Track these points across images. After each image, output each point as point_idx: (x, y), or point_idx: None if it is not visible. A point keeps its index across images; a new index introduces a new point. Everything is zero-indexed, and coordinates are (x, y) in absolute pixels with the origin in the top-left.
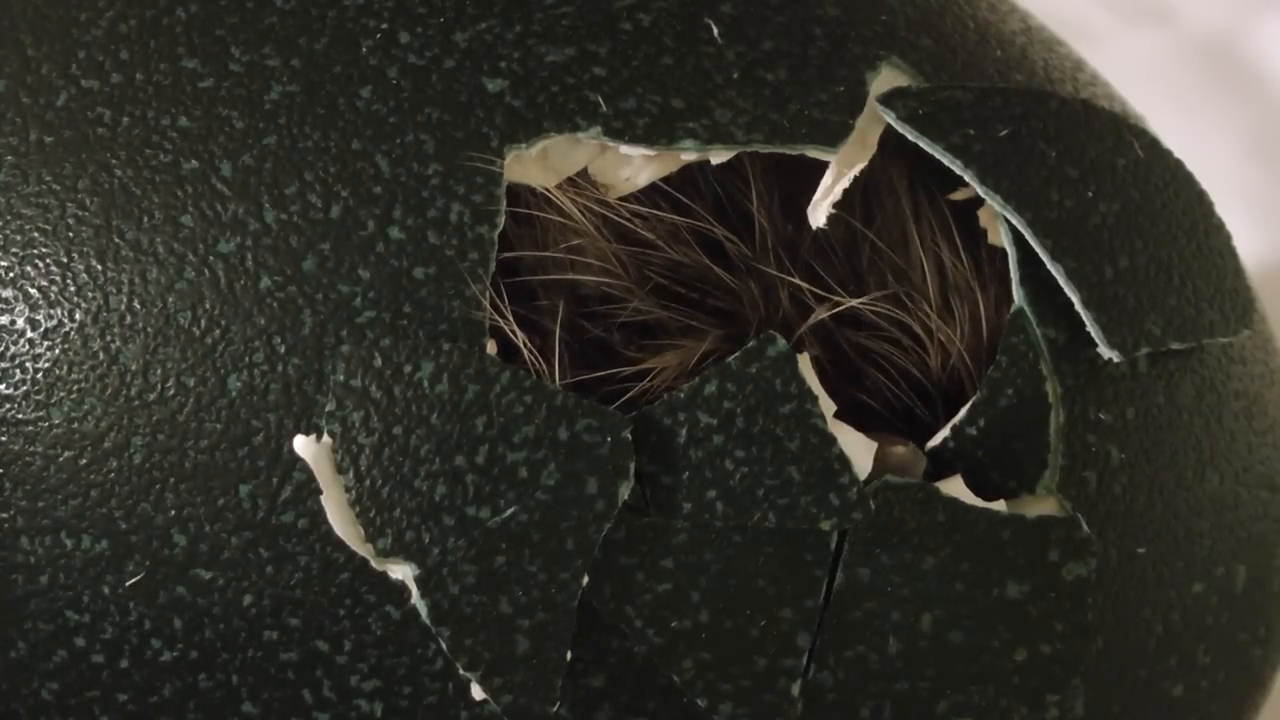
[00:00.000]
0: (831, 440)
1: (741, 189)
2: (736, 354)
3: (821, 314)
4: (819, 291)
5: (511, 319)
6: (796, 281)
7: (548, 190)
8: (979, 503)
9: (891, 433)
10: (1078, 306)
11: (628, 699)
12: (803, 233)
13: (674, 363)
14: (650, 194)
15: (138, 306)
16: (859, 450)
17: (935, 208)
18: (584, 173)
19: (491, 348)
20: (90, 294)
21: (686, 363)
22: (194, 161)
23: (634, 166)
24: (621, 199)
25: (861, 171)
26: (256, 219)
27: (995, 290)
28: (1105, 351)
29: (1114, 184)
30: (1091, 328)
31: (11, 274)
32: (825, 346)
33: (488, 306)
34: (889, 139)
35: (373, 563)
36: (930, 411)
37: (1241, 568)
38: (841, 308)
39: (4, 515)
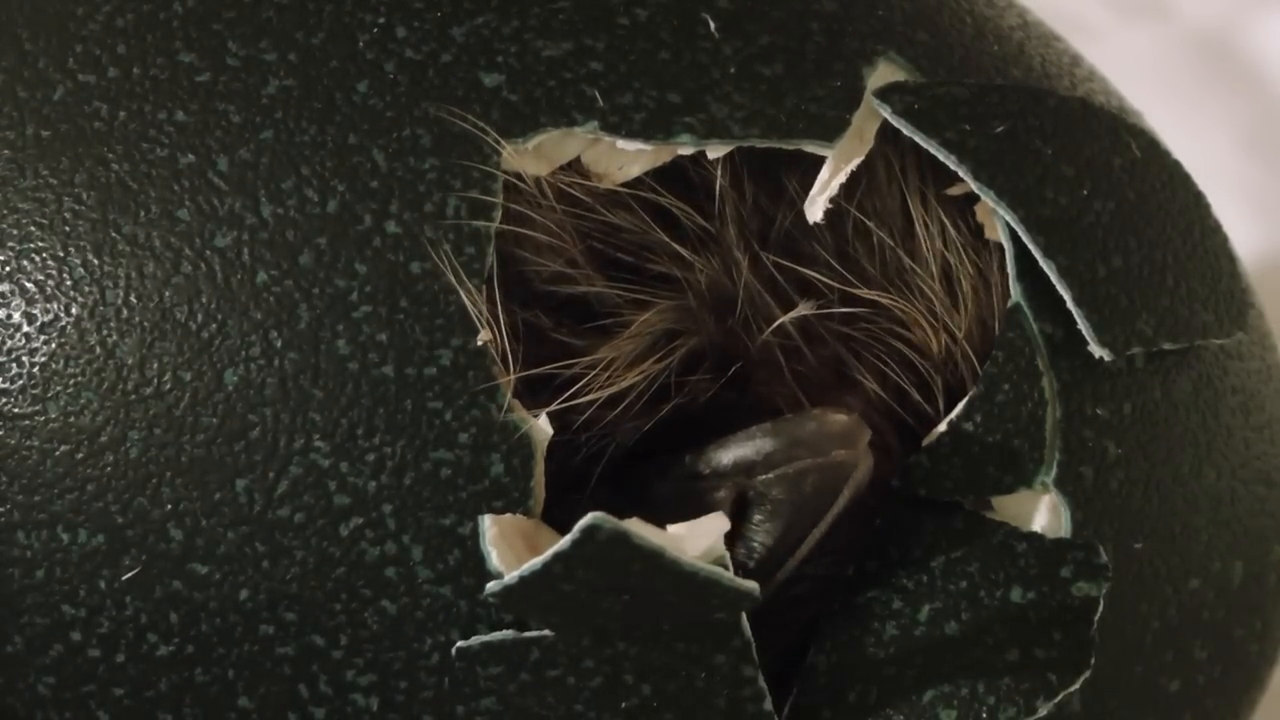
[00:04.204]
0: None
1: (704, 158)
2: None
3: (804, 309)
4: (804, 271)
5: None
6: (772, 262)
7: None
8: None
9: (888, 420)
10: (1069, 304)
11: None
12: (778, 207)
13: (628, 348)
14: None
15: (134, 301)
16: (695, 540)
17: (940, 197)
18: (577, 161)
19: (485, 336)
20: (87, 288)
21: (640, 345)
22: (191, 156)
23: (627, 157)
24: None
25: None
26: (253, 213)
27: (999, 284)
28: (1096, 350)
29: (1110, 183)
30: (1083, 325)
31: (8, 268)
32: (803, 336)
33: (483, 301)
34: (891, 129)
35: None
36: (931, 404)
37: (1238, 563)
38: (831, 311)
39: (1, 509)
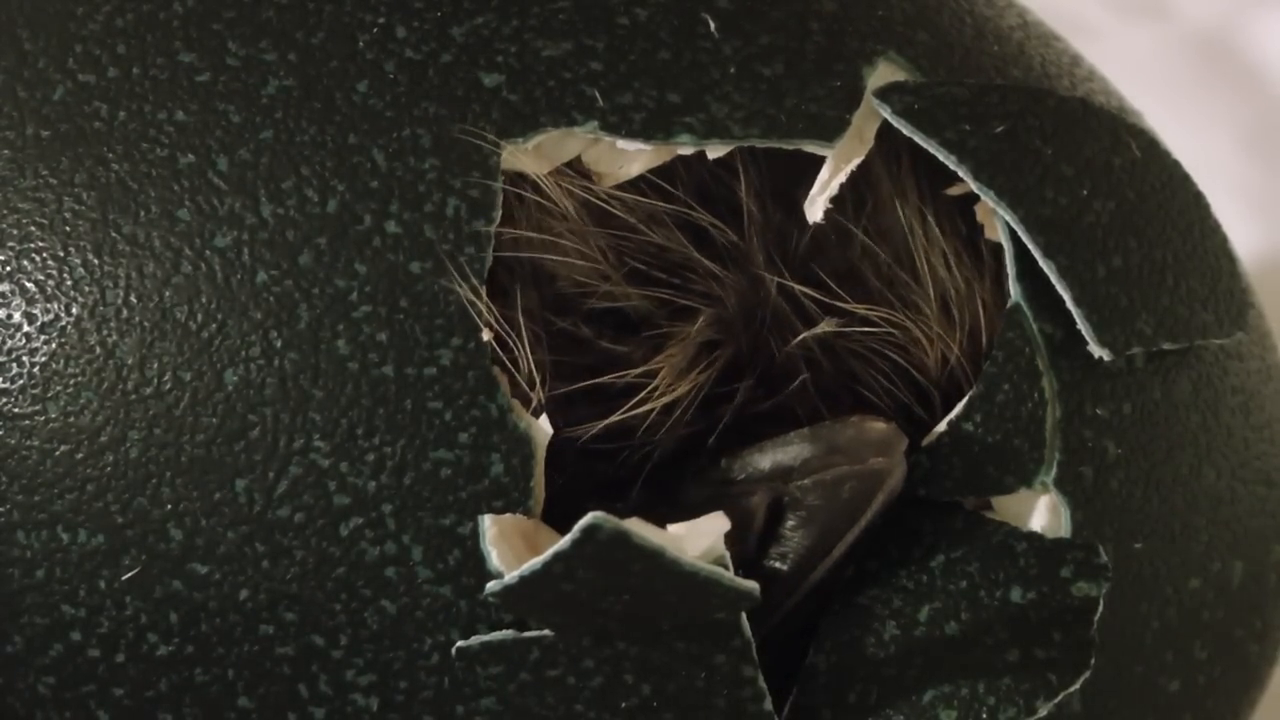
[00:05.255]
0: None
1: (728, 176)
2: None
3: (827, 327)
4: (813, 294)
5: (497, 313)
6: (793, 285)
7: (528, 174)
8: None
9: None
10: (1069, 304)
11: None
12: (793, 225)
13: (676, 359)
14: (632, 179)
15: (134, 301)
16: (695, 539)
17: (938, 202)
18: (577, 160)
19: (486, 335)
20: (87, 288)
21: (686, 356)
22: (191, 156)
23: (627, 156)
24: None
25: (858, 166)
26: (253, 213)
27: (993, 285)
28: (1096, 350)
29: (1110, 183)
30: (1082, 325)
31: (8, 268)
32: (820, 349)
33: (485, 300)
34: (888, 134)
35: None
36: (929, 413)
37: (1238, 563)
38: (846, 327)
39: (1, 509)
